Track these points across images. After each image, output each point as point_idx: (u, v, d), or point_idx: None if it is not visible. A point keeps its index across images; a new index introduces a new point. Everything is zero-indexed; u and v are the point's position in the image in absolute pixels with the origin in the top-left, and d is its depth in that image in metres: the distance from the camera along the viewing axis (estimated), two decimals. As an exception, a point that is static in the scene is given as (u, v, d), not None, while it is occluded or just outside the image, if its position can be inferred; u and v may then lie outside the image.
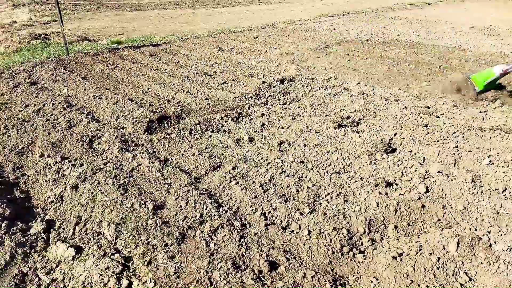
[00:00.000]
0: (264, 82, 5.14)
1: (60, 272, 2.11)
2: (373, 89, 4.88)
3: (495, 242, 2.20)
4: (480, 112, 4.04)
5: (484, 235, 2.27)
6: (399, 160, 3.15)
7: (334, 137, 3.60)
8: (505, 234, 2.26)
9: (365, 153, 3.26)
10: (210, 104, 4.43)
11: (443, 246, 2.13)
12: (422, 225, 2.42)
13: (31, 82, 5.18)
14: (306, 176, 2.95)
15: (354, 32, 8.96)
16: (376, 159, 3.19)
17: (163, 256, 2.13)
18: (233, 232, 2.30)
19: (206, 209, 2.51)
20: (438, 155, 3.21)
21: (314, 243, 2.25)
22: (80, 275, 2.05)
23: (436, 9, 13.52)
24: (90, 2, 16.58)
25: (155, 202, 2.62)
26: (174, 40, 8.21)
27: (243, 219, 2.48)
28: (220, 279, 1.96)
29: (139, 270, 2.07)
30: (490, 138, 3.42)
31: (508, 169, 2.91)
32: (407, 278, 1.98)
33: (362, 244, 2.27)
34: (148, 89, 5.03)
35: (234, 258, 2.12)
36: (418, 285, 1.94)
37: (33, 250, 2.27)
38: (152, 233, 2.31)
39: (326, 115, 4.11)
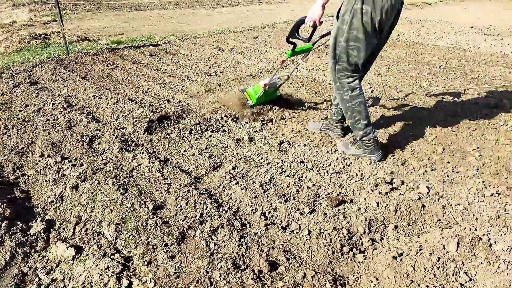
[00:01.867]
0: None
1: (60, 272, 2.11)
2: (373, 89, 4.88)
3: (495, 242, 2.20)
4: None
5: (484, 235, 2.27)
6: (399, 160, 3.15)
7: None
8: (505, 234, 2.26)
9: (365, 153, 3.25)
10: (210, 104, 4.42)
11: (443, 246, 2.13)
12: (422, 225, 2.42)
13: (31, 82, 5.18)
14: (306, 176, 2.95)
15: (354, 32, 8.95)
16: (376, 159, 3.18)
17: (163, 256, 2.13)
18: (233, 232, 2.30)
19: (206, 209, 2.51)
20: (438, 155, 3.21)
21: (314, 243, 2.25)
22: (80, 275, 2.05)
23: (436, 9, 13.53)
24: (90, 2, 16.58)
25: (155, 202, 2.62)
26: (174, 40, 8.21)
27: (243, 219, 2.48)
28: (220, 279, 1.96)
29: (139, 270, 2.07)
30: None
31: (508, 169, 2.92)
32: (407, 278, 1.98)
33: (362, 244, 2.27)
34: (148, 89, 5.03)
35: (234, 258, 2.12)
36: (418, 285, 1.94)
37: (33, 250, 2.27)
38: (152, 233, 2.31)
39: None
